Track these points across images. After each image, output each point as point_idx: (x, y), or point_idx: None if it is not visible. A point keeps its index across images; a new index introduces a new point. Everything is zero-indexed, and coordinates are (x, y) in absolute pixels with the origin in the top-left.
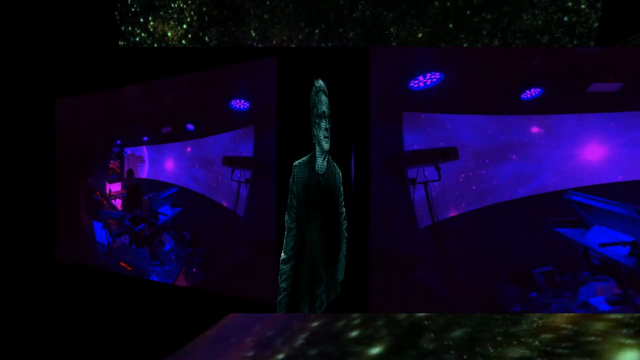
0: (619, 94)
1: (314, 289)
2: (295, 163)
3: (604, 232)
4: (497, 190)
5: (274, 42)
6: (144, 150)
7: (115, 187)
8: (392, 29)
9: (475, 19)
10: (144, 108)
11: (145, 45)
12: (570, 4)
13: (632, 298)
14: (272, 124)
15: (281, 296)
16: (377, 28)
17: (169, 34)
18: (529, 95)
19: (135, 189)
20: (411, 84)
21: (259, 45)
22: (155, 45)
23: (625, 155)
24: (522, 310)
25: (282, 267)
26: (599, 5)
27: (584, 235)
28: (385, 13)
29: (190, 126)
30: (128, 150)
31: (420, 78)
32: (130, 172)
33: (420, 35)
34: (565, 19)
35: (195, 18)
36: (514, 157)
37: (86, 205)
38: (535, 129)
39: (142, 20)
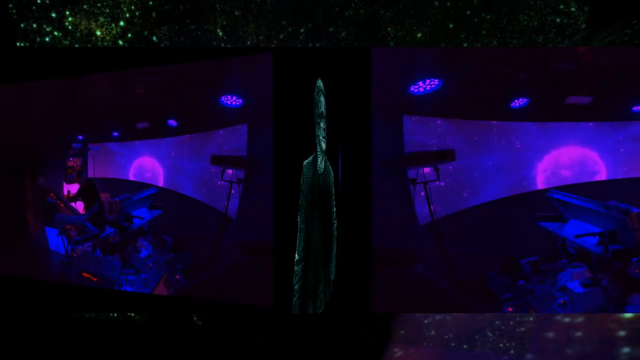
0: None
1: (316, 288)
2: (304, 162)
3: (579, 225)
4: (490, 188)
5: (248, 43)
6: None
7: (75, 188)
8: (389, 29)
9: (476, 19)
10: (114, 100)
11: (60, 46)
12: (562, 6)
13: (600, 280)
14: (269, 122)
15: (295, 298)
16: (372, 28)
17: (98, 33)
18: (517, 104)
19: (89, 188)
20: (412, 89)
21: (229, 46)
22: (77, 46)
23: (601, 158)
24: (512, 296)
25: (295, 268)
26: (586, 8)
27: (562, 228)
28: (381, 12)
29: (172, 122)
30: (94, 147)
31: (420, 83)
32: (80, 172)
33: (419, 35)
34: (558, 20)
35: (137, 14)
36: (505, 158)
37: (36, 209)
38: (522, 134)
39: (54, 15)
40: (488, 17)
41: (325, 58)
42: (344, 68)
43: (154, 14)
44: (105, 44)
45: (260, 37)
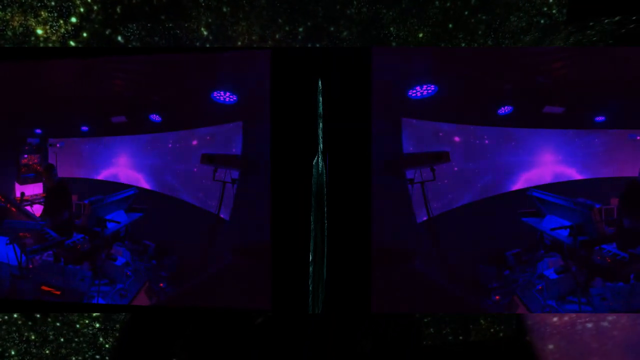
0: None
1: (317, 288)
2: (314, 162)
3: (554, 220)
4: (480, 187)
5: (239, 43)
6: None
7: (32, 189)
8: (391, 29)
9: (473, 20)
10: (83, 90)
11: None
12: (545, 8)
13: (570, 267)
14: (266, 120)
15: (310, 298)
16: (375, 27)
17: (39, 32)
18: (503, 112)
19: (60, 189)
20: (410, 93)
21: (215, 46)
22: (7, 47)
23: (572, 161)
24: (498, 286)
25: (310, 268)
26: (564, 10)
27: (540, 222)
28: (384, 11)
29: (155, 117)
30: (57, 143)
31: (418, 88)
32: (50, 167)
33: (421, 35)
34: (542, 21)
35: (95, 8)
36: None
37: None
38: (508, 139)
39: None
40: (484, 17)
41: (325, 57)
42: (344, 68)
43: (118, 9)
44: (51, 44)
45: (254, 37)
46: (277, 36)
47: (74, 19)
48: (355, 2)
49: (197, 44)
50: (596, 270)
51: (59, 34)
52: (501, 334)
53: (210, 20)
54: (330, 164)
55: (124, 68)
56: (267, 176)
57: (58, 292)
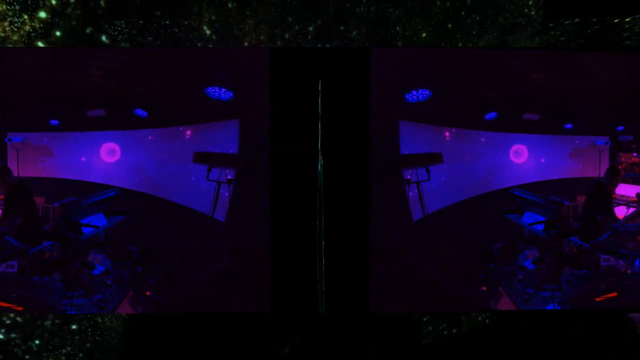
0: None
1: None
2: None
3: (531, 216)
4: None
5: (245, 44)
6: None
7: None
8: (397, 28)
9: (468, 20)
10: (53, 79)
11: None
12: (526, 10)
13: (545, 258)
14: (265, 118)
15: (322, 298)
16: (383, 27)
17: None
18: (489, 116)
19: (19, 191)
20: (407, 96)
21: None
22: None
23: (550, 162)
24: (485, 278)
25: (319, 268)
26: (540, 12)
27: (520, 218)
28: (391, 10)
29: (140, 112)
30: (17, 138)
31: (414, 92)
32: (3, 171)
33: (424, 35)
34: (523, 22)
35: (71, 1)
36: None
37: None
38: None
39: None
40: (477, 18)
41: (325, 57)
42: (344, 67)
43: (102, 2)
44: (11, 44)
45: (261, 37)
46: (286, 36)
47: (42, 14)
48: (364, 0)
49: (199, 44)
50: (565, 259)
51: (22, 32)
52: (487, 321)
53: (213, 17)
54: (330, 163)
55: (103, 57)
56: (265, 176)
57: (20, 308)
